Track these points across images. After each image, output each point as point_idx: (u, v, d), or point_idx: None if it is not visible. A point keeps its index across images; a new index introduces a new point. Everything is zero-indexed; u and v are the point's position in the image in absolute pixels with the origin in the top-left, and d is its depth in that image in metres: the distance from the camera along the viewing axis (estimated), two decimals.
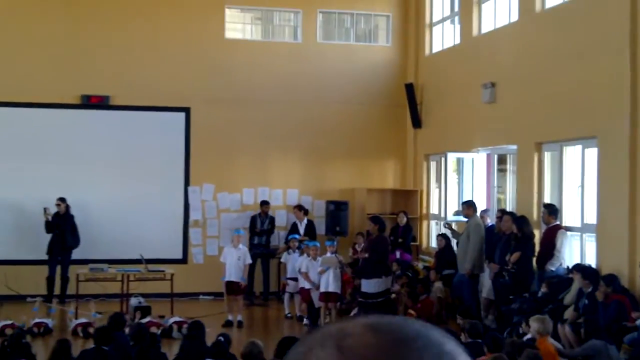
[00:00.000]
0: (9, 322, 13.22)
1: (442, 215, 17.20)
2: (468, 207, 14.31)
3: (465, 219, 14.45)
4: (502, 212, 13.86)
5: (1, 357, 9.02)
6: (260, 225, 17.25)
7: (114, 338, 9.45)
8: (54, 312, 14.54)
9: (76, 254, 16.62)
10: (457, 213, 15.92)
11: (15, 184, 16.79)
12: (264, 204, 17.53)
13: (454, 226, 15.60)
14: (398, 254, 16.12)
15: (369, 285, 13.53)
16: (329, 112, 18.35)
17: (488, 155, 15.95)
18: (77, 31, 17.26)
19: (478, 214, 14.54)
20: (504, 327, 11.94)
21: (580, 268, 11.51)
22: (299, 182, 18.33)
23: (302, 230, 17.06)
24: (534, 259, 12.73)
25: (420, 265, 17.03)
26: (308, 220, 17.34)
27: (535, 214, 13.53)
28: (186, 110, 17.82)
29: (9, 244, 16.62)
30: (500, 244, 13.09)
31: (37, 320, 13.54)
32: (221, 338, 9.80)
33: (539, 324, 9.60)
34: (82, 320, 13.53)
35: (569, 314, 11.13)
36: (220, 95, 17.86)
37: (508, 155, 15.47)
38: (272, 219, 17.58)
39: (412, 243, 17.45)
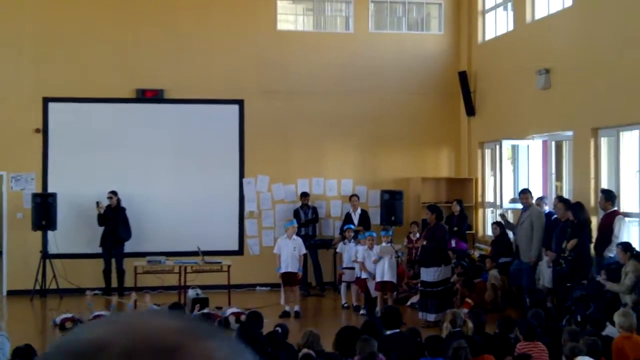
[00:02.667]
0: (69, 315, 13.44)
1: (498, 203, 17.07)
2: (525, 194, 14.18)
3: (522, 207, 14.29)
4: (558, 200, 13.70)
5: None
6: (303, 217, 17.28)
7: None
8: (114, 307, 14.74)
9: (133, 247, 16.85)
10: (512, 201, 15.79)
11: (72, 178, 17.03)
12: (304, 195, 17.59)
13: (509, 216, 15.48)
14: (453, 243, 16.02)
15: (428, 274, 13.48)
16: (382, 102, 18.30)
17: (544, 142, 15.76)
18: (131, 27, 17.44)
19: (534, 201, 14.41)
20: (563, 315, 11.82)
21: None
22: (353, 172, 18.32)
23: (356, 220, 17.06)
24: (592, 246, 12.57)
25: (476, 253, 16.93)
26: (362, 210, 17.34)
27: (592, 200, 13.34)
28: (240, 103, 17.91)
29: (68, 237, 16.86)
30: (557, 232, 12.95)
31: (96, 313, 13.73)
32: (278, 328, 9.84)
33: (622, 319, 9.28)
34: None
35: (627, 299, 10.97)
36: (273, 87, 17.92)
37: (564, 142, 15.28)
38: (315, 210, 17.63)
39: (467, 231, 17.32)
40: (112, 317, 0.93)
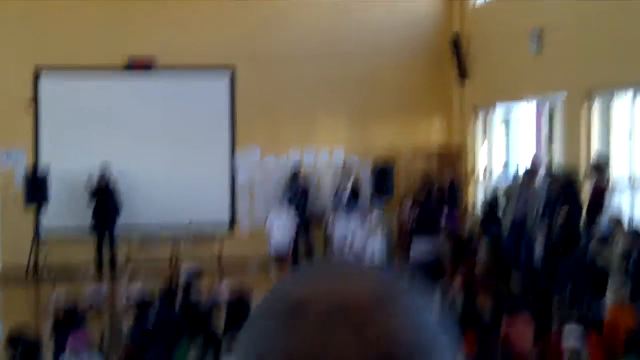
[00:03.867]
0: (63, 292, 13.37)
1: (490, 169, 17.04)
2: (530, 175, 13.99)
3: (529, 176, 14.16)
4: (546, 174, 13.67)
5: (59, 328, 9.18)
6: (295, 190, 17.20)
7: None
8: (106, 285, 14.64)
9: (125, 219, 16.82)
10: (504, 166, 15.74)
11: (63, 152, 17.00)
12: (295, 168, 17.53)
13: (502, 182, 15.45)
14: (445, 212, 16.00)
15: (419, 244, 13.48)
16: (373, 67, 18.16)
17: (538, 106, 15.66)
18: None
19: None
20: (553, 286, 11.81)
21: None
22: (345, 142, 18.25)
23: (347, 190, 17.00)
24: (583, 216, 12.54)
25: (467, 221, 16.89)
26: (354, 180, 17.28)
27: (583, 165, 13.30)
28: (231, 70, 17.76)
29: (60, 212, 16.81)
30: (551, 201, 12.92)
31: (90, 290, 13.72)
32: None
33: (614, 290, 9.30)
34: (134, 288, 13.65)
35: (616, 270, 10.98)
36: (264, 52, 17.76)
37: (557, 104, 15.18)
38: (306, 182, 17.56)
39: (458, 200, 17.28)
40: (315, 275, 0.98)
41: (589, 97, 13.44)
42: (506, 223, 14.64)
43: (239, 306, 9.72)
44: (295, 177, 17.42)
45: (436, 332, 0.96)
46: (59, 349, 8.52)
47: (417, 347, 0.92)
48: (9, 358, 7.94)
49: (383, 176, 17.39)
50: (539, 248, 13.09)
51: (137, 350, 8.23)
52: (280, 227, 14.54)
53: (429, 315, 0.96)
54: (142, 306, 9.57)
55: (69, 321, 9.12)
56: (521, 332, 8.34)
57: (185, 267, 14.81)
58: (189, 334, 8.34)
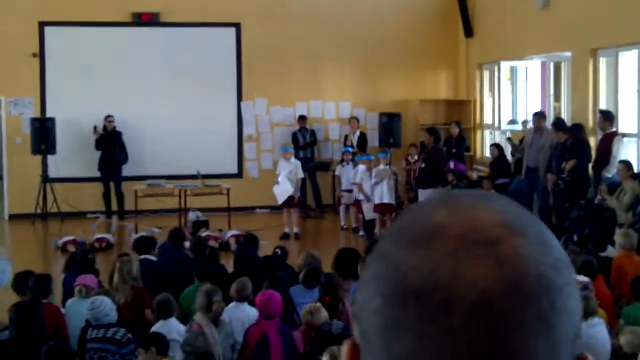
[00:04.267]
0: (71, 238, 13.57)
1: (496, 124, 17.08)
2: (539, 118, 13.95)
3: (534, 130, 14.09)
4: (553, 122, 13.66)
5: (68, 271, 9.28)
6: (302, 140, 17.28)
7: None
8: (115, 229, 14.81)
9: (132, 170, 16.92)
10: (511, 122, 15.76)
11: (70, 103, 17.00)
12: (302, 118, 17.59)
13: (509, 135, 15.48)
14: (452, 164, 16.08)
15: (426, 196, 13.53)
16: (380, 24, 18.12)
17: (543, 63, 15.65)
18: None
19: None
20: (560, 235, 11.91)
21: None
22: (352, 95, 18.27)
23: (354, 142, 17.07)
24: (590, 166, 12.62)
25: (474, 175, 16.98)
26: (360, 133, 17.35)
27: (590, 121, 13.35)
28: (237, 26, 17.76)
29: (67, 161, 16.89)
30: (556, 153, 12.97)
31: (98, 235, 13.87)
32: (277, 250, 9.94)
33: (622, 238, 9.37)
34: (142, 234, 13.76)
35: (623, 218, 11.06)
36: (270, 9, 17.71)
37: (563, 63, 15.18)
38: (313, 132, 17.64)
39: (465, 153, 17.37)
40: (452, 201, 1.00)
41: (594, 56, 13.42)
42: (514, 174, 14.72)
43: (247, 254, 9.79)
44: (302, 125, 17.46)
45: (564, 261, 0.97)
46: (68, 289, 8.62)
47: (548, 272, 0.94)
48: (20, 291, 8.02)
49: (390, 127, 17.42)
50: (551, 200, 13.17)
51: (146, 292, 8.32)
52: (286, 172, 14.56)
53: (558, 246, 0.98)
54: (149, 250, 9.66)
55: (78, 262, 9.22)
56: None
57: (192, 215, 15.00)
58: (197, 278, 8.42)
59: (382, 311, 0.94)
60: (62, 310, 7.90)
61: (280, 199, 14.66)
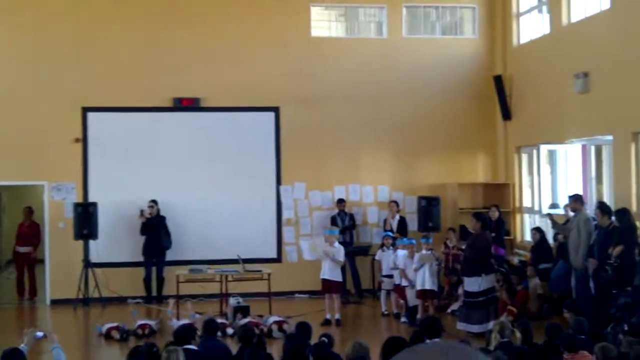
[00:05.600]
0: (115, 324, 13.57)
1: (536, 208, 17.01)
2: (575, 200, 13.88)
3: (574, 214, 14.07)
4: (597, 206, 13.57)
5: None
6: (340, 223, 17.28)
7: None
8: (136, 315, 14.66)
9: (173, 255, 17.02)
10: (552, 206, 15.67)
11: (112, 187, 17.20)
12: (341, 201, 17.64)
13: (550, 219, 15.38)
14: (492, 249, 15.98)
15: (471, 284, 13.37)
16: (417, 107, 18.30)
17: (584, 147, 15.63)
18: (166, 36, 17.57)
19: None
20: (607, 323, 11.74)
21: None
22: (390, 179, 18.34)
23: (394, 226, 17.06)
24: (637, 252, 12.46)
25: (515, 259, 16.87)
26: (400, 217, 17.34)
27: (635, 205, 13.27)
28: (275, 110, 17.99)
29: (109, 246, 17.04)
30: (599, 238, 12.86)
31: (140, 322, 13.85)
32: (324, 339, 9.86)
33: None
34: (184, 321, 13.73)
35: None
36: (308, 93, 17.97)
37: (604, 147, 15.17)
38: (352, 216, 17.67)
39: (505, 237, 17.28)
40: (431, 352, 1.12)
41: (636, 140, 13.40)
42: (557, 258, 14.59)
43: (299, 343, 9.70)
44: (341, 208, 17.49)
45: None
46: None
47: None
48: None
49: (428, 211, 17.44)
50: (592, 284, 13.01)
51: None
52: (328, 261, 14.51)
53: None
54: (189, 340, 9.59)
55: (142, 355, 9.13)
56: None
57: (233, 301, 14.95)
58: None
59: None
60: None
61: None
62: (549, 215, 14.94)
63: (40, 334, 8.62)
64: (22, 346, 8.03)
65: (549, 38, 16.65)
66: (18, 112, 17.02)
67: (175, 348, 8.79)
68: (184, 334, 9.81)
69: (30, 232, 18.30)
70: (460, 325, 13.39)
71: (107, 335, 13.33)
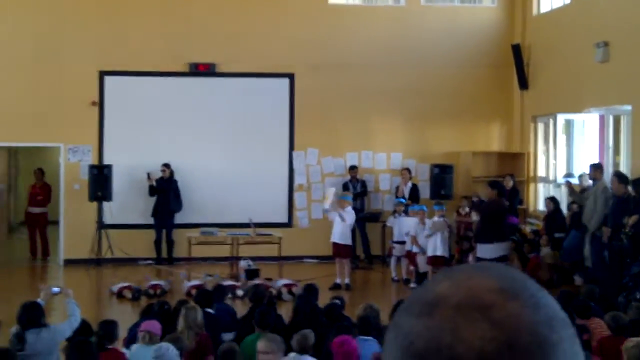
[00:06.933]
0: (127, 284, 13.66)
1: (551, 178, 16.94)
2: (596, 169, 13.82)
3: (591, 182, 14.00)
4: (614, 175, 13.51)
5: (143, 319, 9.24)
6: (352, 190, 17.21)
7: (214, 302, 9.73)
8: (149, 278, 14.70)
9: (184, 218, 17.06)
10: (567, 176, 15.61)
11: (126, 150, 17.24)
12: (353, 168, 17.60)
13: (562, 191, 15.33)
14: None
15: (484, 251, 13.34)
16: (433, 75, 18.19)
17: (601, 116, 15.50)
18: (182, 1, 17.51)
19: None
20: (619, 292, 11.72)
21: None
22: (403, 146, 18.27)
23: (406, 193, 17.02)
24: None
25: (528, 228, 16.83)
26: (412, 184, 17.30)
27: None
28: (290, 76, 17.92)
29: (122, 208, 17.11)
30: (614, 207, 12.80)
31: (152, 282, 13.93)
32: (337, 301, 9.89)
33: None
34: (195, 282, 13.80)
35: None
36: (323, 60, 17.87)
37: (622, 116, 15.04)
38: (364, 183, 17.63)
39: (519, 206, 17.22)
40: (451, 274, 1.13)
41: None
42: (570, 228, 14.54)
43: (307, 304, 9.72)
44: (353, 175, 17.46)
45: (558, 319, 1.07)
46: (131, 336, 8.62)
47: (541, 330, 1.04)
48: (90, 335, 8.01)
49: (441, 179, 17.40)
50: (606, 253, 12.97)
51: (209, 339, 8.30)
52: (338, 224, 14.48)
53: (552, 305, 1.08)
54: (210, 304, 9.62)
55: (154, 313, 9.17)
56: (598, 335, 8.32)
57: (244, 263, 15.00)
58: (257, 327, 8.37)
59: None
60: (127, 356, 7.89)
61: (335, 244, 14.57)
62: (568, 183, 14.87)
63: (56, 289, 8.78)
64: (38, 300, 8.12)
65: (569, 7, 16.49)
66: (36, 75, 17.01)
67: (194, 305, 8.84)
68: (204, 297, 9.82)
69: (42, 193, 18.37)
70: None
71: (119, 295, 13.41)
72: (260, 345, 6.97)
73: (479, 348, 1.02)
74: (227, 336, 9.16)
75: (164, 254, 17.09)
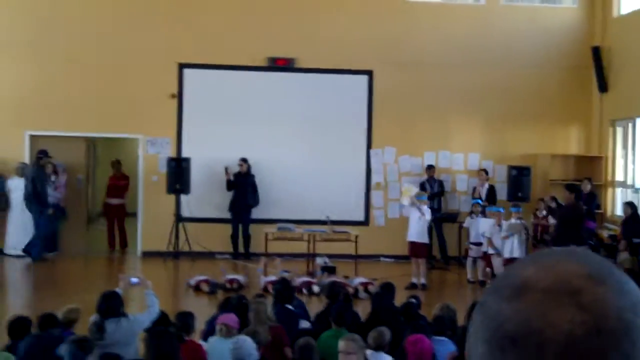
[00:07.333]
0: (204, 277, 13.87)
1: (629, 182, 16.69)
2: None
3: None
4: None
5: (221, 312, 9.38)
6: (429, 190, 17.18)
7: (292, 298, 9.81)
8: (225, 271, 14.89)
9: (261, 214, 17.22)
10: None
11: (205, 144, 17.48)
12: (430, 168, 17.57)
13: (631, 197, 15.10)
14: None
15: None
16: (511, 76, 18.05)
17: None
18: None
19: None
20: None
21: None
22: (480, 147, 18.18)
23: (483, 194, 16.94)
24: None
25: (605, 233, 16.61)
26: (489, 185, 17.21)
27: None
28: (369, 73, 17.96)
29: (200, 201, 17.35)
30: None
31: (229, 276, 14.11)
32: (413, 300, 9.93)
33: None
34: (272, 277, 13.93)
35: None
36: (402, 58, 17.88)
37: None
38: (441, 183, 17.58)
39: (596, 211, 17.00)
40: (537, 259, 1.16)
41: None
42: None
43: (384, 302, 9.77)
44: (430, 175, 17.44)
45: None
46: (209, 329, 8.76)
47: (628, 315, 1.07)
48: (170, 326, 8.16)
49: (519, 181, 17.27)
50: None
51: (284, 330, 8.39)
52: (415, 222, 14.48)
53: (636, 291, 1.11)
54: (290, 300, 9.72)
55: (232, 307, 9.29)
56: None
57: (320, 260, 15.11)
58: (334, 324, 8.44)
59: (486, 355, 1.11)
60: (204, 348, 8.04)
61: (412, 242, 14.57)
62: None
63: (135, 280, 8.90)
64: (117, 289, 8.32)
65: None
66: (117, 67, 17.34)
67: (262, 300, 8.97)
68: (284, 293, 9.90)
69: (121, 184, 18.73)
70: None
71: (197, 288, 13.64)
72: (342, 345, 7.04)
73: (568, 332, 1.05)
74: (304, 324, 9.25)
75: (240, 249, 17.27)
